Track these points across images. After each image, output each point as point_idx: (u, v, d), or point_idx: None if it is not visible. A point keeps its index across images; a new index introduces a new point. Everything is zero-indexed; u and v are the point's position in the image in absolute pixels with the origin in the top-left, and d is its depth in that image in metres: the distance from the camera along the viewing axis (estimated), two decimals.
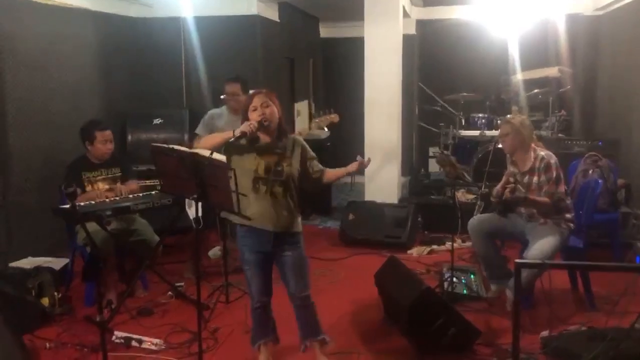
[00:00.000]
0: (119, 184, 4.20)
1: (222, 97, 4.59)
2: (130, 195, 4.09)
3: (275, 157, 2.97)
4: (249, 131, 2.87)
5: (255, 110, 2.94)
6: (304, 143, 3.10)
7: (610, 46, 6.92)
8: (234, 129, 4.36)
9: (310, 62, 8.55)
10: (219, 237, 4.44)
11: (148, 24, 6.42)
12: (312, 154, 3.12)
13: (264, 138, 2.99)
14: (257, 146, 2.98)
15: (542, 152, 3.87)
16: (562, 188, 3.83)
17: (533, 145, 3.94)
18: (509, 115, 5.87)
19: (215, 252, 5.18)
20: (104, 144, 4.15)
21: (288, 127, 3.12)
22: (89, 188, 4.12)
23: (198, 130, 4.52)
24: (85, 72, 5.57)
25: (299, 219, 3.08)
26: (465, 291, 4.20)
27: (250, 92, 3.05)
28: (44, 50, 4.96)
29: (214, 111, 4.61)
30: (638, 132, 5.85)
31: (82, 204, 3.65)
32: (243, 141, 2.94)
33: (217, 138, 3.07)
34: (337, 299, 4.26)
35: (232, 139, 2.89)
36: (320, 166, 3.14)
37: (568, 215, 3.86)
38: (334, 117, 4.19)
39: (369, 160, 3.10)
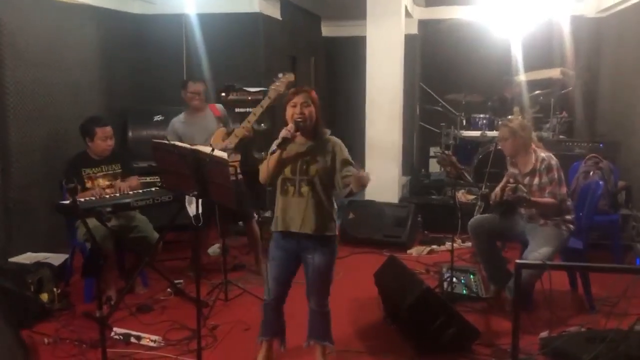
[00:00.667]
0: (118, 181, 4.20)
1: (184, 97, 4.59)
2: (131, 192, 4.09)
3: (304, 156, 2.91)
4: (288, 135, 2.83)
5: (294, 107, 2.88)
6: (341, 145, 2.96)
7: (612, 48, 6.91)
8: (193, 127, 4.47)
9: (311, 60, 8.55)
10: (219, 235, 4.43)
11: (150, 21, 6.42)
12: (346, 157, 2.94)
13: (299, 138, 2.93)
14: (288, 146, 2.91)
15: (543, 154, 3.87)
16: (564, 189, 3.83)
17: (533, 146, 3.94)
18: (509, 117, 5.90)
19: (214, 249, 5.18)
20: (104, 140, 4.15)
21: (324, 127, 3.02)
22: (89, 184, 4.12)
23: (168, 138, 4.51)
24: (87, 67, 5.57)
25: (332, 222, 2.97)
26: (464, 291, 4.20)
27: (293, 89, 2.98)
28: (45, 46, 4.95)
29: (173, 120, 4.61)
30: (639, 134, 5.85)
31: (82, 200, 3.64)
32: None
33: (270, 162, 2.88)
34: (336, 297, 4.20)
35: (276, 150, 2.83)
36: (346, 173, 2.89)
37: (568, 217, 3.86)
38: (288, 77, 4.14)
39: (368, 175, 2.85)
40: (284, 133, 2.83)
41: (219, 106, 4.78)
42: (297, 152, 2.92)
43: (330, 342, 3.14)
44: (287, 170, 2.90)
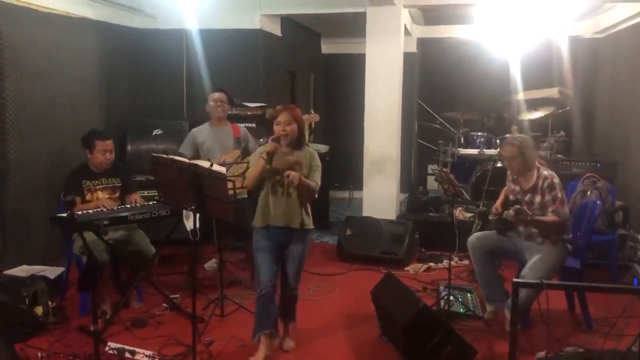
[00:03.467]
0: (134, 194, 4.26)
1: (207, 109, 4.70)
2: (128, 205, 4.09)
3: (291, 162, 3.33)
4: (273, 149, 3.29)
5: (278, 125, 3.34)
6: (316, 157, 3.46)
7: (609, 69, 6.97)
8: (212, 140, 4.58)
9: (311, 77, 8.59)
10: (216, 250, 4.42)
11: (151, 35, 6.46)
12: (316, 166, 3.42)
13: (284, 148, 3.40)
14: (277, 157, 3.37)
15: (546, 172, 3.87)
16: (567, 208, 3.83)
17: (537, 163, 3.95)
18: (508, 135, 5.92)
19: (211, 264, 5.16)
20: (102, 153, 4.15)
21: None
22: (88, 196, 4.12)
23: (181, 149, 4.60)
24: (87, 81, 5.59)
25: (310, 217, 3.45)
26: (462, 310, 4.18)
27: (279, 106, 3.43)
28: (46, 59, 4.97)
29: (195, 129, 4.76)
30: (636, 154, 5.87)
31: (79, 212, 3.64)
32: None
33: (255, 169, 3.34)
34: (332, 314, 4.24)
35: (266, 162, 3.28)
36: (316, 179, 3.41)
37: (566, 236, 3.86)
38: (315, 117, 4.27)
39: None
40: (269, 148, 3.29)
41: (242, 128, 4.85)
42: (284, 160, 3.35)
43: (295, 320, 3.67)
44: (279, 172, 3.31)
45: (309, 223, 3.46)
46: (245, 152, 4.59)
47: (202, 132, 4.67)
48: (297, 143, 3.43)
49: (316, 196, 3.44)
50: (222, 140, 4.63)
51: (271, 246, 3.40)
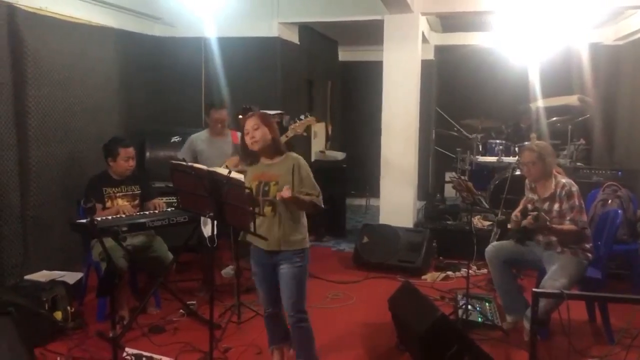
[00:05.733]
0: (157, 199, 4.31)
1: (207, 121, 4.72)
2: (147, 212, 4.13)
3: (266, 177, 3.03)
4: (235, 164, 3.01)
5: (247, 134, 3.04)
6: (302, 163, 3.05)
7: (630, 76, 6.87)
8: (211, 149, 4.58)
9: (328, 84, 8.61)
10: (232, 256, 4.43)
11: (170, 44, 6.52)
12: (305, 174, 3.03)
13: (264, 159, 3.10)
14: (252, 167, 3.11)
15: (564, 180, 3.83)
16: (585, 217, 3.78)
17: (555, 171, 3.90)
18: (527, 143, 5.86)
19: (227, 271, 5.17)
20: (126, 160, 4.21)
21: (286, 145, 3.19)
22: (108, 203, 4.17)
23: (180, 155, 4.59)
24: (107, 88, 5.66)
25: (297, 237, 3.04)
26: (480, 319, 4.14)
27: (243, 116, 3.10)
28: (67, 67, 5.04)
29: (194, 135, 4.74)
30: None
31: (99, 219, 3.68)
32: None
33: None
34: (349, 322, 4.22)
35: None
36: (311, 191, 3.01)
37: (586, 245, 3.80)
38: (310, 120, 4.16)
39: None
40: (230, 164, 3.10)
41: (240, 134, 4.82)
42: (260, 172, 3.06)
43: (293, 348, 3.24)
44: (253, 191, 2.97)
45: (300, 243, 3.05)
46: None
47: (201, 140, 4.67)
48: (275, 148, 3.07)
49: (322, 206, 3.05)
50: (220, 148, 4.61)
51: (260, 271, 3.14)
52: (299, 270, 3.04)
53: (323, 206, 3.06)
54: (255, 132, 3.01)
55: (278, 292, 3.10)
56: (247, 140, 3.05)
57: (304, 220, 3.12)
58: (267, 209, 2.99)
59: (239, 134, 4.79)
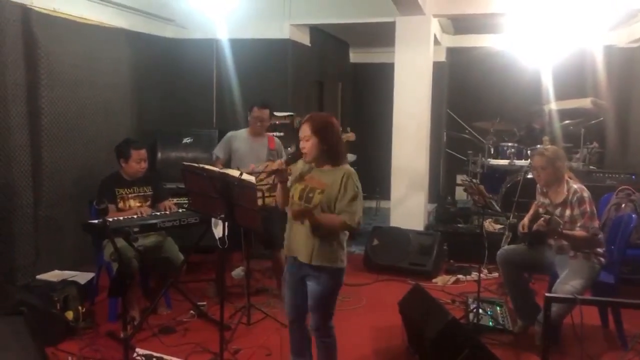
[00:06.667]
0: (167, 201, 4.33)
1: (249, 119, 4.72)
2: (159, 213, 4.15)
3: (313, 182, 2.88)
4: (278, 167, 2.87)
5: (301, 140, 2.88)
6: (352, 178, 2.83)
7: None
8: (247, 149, 4.59)
9: (339, 86, 8.60)
10: (243, 258, 4.44)
11: (182, 45, 6.55)
12: (351, 195, 2.80)
13: (316, 165, 2.92)
14: (300, 173, 2.96)
15: (575, 185, 3.79)
16: (597, 222, 3.75)
17: (566, 176, 3.87)
18: (539, 146, 5.82)
19: (238, 272, 5.18)
20: (138, 162, 4.22)
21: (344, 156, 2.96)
22: (121, 204, 4.20)
23: (215, 151, 4.67)
24: (119, 90, 5.69)
25: (330, 254, 2.86)
26: (491, 323, 4.11)
27: (306, 117, 2.94)
28: (80, 68, 5.07)
29: (233, 133, 4.76)
30: None
31: (110, 219, 3.69)
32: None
33: (277, 191, 3.02)
34: (359, 325, 4.21)
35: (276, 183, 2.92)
36: (344, 214, 2.81)
37: (599, 250, 3.77)
38: (350, 136, 4.15)
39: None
40: (275, 166, 2.87)
41: (277, 140, 4.85)
42: (309, 176, 2.91)
43: None
44: (296, 195, 2.89)
45: (329, 260, 2.85)
46: None
47: (238, 139, 4.67)
48: (328, 159, 2.87)
49: (355, 227, 2.85)
50: (256, 150, 4.62)
51: (292, 279, 3.01)
52: (327, 289, 2.90)
53: (356, 227, 2.86)
54: (306, 143, 2.84)
55: (303, 303, 2.99)
56: (300, 147, 2.88)
57: (343, 238, 2.94)
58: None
59: (276, 139, 4.82)
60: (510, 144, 6.85)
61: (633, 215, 4.12)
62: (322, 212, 2.82)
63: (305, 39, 6.93)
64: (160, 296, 4.17)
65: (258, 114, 4.61)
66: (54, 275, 4.41)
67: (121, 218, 3.89)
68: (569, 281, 3.60)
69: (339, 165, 2.89)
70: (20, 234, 4.48)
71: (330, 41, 7.92)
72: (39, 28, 4.56)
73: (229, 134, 4.75)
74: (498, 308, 4.37)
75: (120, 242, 3.57)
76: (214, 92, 6.55)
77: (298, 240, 2.89)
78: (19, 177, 4.44)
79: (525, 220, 3.90)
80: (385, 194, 7.12)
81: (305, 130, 2.84)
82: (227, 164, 4.57)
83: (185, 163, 3.19)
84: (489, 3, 5.77)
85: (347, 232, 2.96)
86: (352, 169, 2.89)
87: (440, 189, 8.32)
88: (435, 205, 7.38)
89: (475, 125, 7.35)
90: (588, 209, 3.68)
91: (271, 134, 4.98)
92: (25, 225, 4.51)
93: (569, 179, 3.86)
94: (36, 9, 4.53)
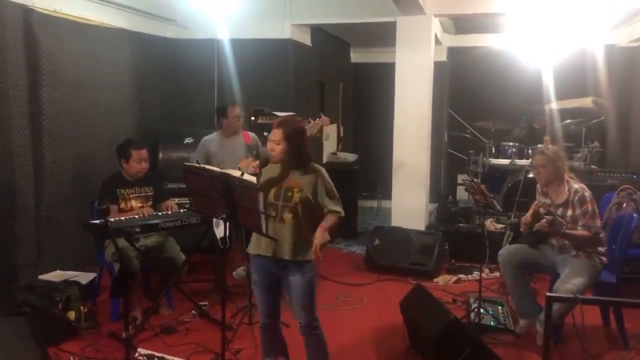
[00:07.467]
0: (169, 201, 4.34)
1: (223, 121, 4.71)
2: (160, 213, 4.15)
3: (289, 183, 2.96)
4: (252, 172, 3.02)
5: (269, 142, 2.99)
6: (324, 174, 3.01)
7: None
8: (224, 151, 4.60)
9: (340, 86, 8.61)
10: (244, 258, 4.44)
11: (183, 45, 6.56)
12: (328, 187, 2.99)
13: (283, 166, 3.01)
14: (273, 169, 3.06)
15: (576, 185, 3.80)
16: (598, 222, 3.75)
17: (567, 176, 3.87)
18: (540, 146, 5.82)
19: (239, 272, 5.18)
20: (139, 162, 4.22)
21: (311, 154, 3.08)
22: (122, 205, 4.20)
23: (194, 156, 4.60)
24: (120, 90, 5.69)
25: (308, 247, 2.94)
26: (492, 323, 4.11)
27: (275, 122, 3.06)
28: (81, 68, 5.08)
29: (206, 138, 4.75)
30: None
31: (112, 220, 3.70)
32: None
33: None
34: (360, 324, 4.21)
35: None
36: (333, 207, 2.97)
37: (601, 249, 3.77)
38: (324, 120, 4.12)
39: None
40: (251, 170, 3.04)
41: (252, 134, 4.85)
42: (282, 178, 2.99)
43: None
44: (271, 195, 2.94)
45: (308, 254, 2.94)
46: (257, 159, 4.58)
47: (212, 142, 4.68)
48: (295, 163, 2.98)
49: (343, 215, 3.00)
50: (233, 150, 4.63)
51: (264, 280, 3.04)
52: (311, 279, 2.98)
53: (344, 214, 3.00)
54: (276, 147, 2.93)
55: (276, 302, 3.10)
56: (268, 147, 2.99)
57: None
58: (288, 216, 2.92)
59: (250, 134, 4.82)
60: (511, 144, 6.85)
61: (634, 215, 4.12)
62: (303, 208, 2.92)
63: (306, 39, 6.93)
64: (161, 296, 4.17)
65: (237, 112, 4.67)
66: (56, 276, 4.41)
67: (122, 218, 3.89)
68: (570, 280, 3.61)
69: (307, 166, 3.01)
70: (22, 235, 4.48)
71: (331, 41, 7.93)
72: (40, 28, 4.57)
73: (204, 139, 4.75)
74: (499, 307, 4.37)
75: (122, 242, 3.59)
76: (215, 92, 6.56)
77: (284, 240, 2.92)
78: (20, 178, 4.45)
79: (528, 215, 3.89)
80: (386, 194, 7.12)
81: (276, 135, 2.94)
82: None
83: (186, 163, 3.19)
84: (490, 3, 5.76)
85: None
86: (320, 166, 3.04)
87: (441, 188, 8.32)
88: (437, 204, 7.38)
89: (477, 124, 7.35)
90: (590, 208, 3.69)
91: (249, 132, 4.94)
92: (27, 226, 4.52)
93: (569, 179, 3.86)
94: (37, 9, 4.54)
